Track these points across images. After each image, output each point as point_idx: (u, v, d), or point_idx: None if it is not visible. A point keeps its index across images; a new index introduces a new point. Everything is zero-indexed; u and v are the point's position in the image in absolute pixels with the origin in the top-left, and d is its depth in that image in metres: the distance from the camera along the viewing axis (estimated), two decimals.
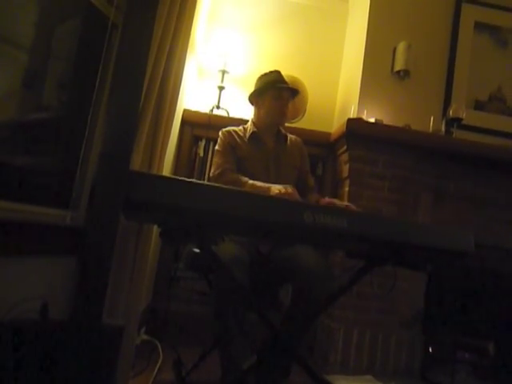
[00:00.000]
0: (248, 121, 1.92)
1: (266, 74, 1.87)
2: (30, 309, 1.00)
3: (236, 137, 1.80)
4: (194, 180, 0.90)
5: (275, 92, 1.79)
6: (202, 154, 2.44)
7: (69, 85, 1.43)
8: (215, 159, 1.76)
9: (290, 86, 1.85)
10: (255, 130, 1.82)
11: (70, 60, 1.43)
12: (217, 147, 1.79)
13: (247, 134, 1.81)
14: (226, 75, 2.56)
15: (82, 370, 0.99)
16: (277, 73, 1.86)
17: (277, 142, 1.85)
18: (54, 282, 1.23)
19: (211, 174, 1.74)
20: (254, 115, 1.89)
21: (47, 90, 1.37)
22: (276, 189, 1.48)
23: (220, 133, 1.82)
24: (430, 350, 2.12)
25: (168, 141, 1.59)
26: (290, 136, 1.90)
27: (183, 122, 2.43)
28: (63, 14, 1.38)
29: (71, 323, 1.11)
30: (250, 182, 1.60)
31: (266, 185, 1.55)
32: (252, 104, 1.91)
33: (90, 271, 1.26)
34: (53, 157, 1.39)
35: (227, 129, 1.83)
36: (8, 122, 1.21)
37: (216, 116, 2.48)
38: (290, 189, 1.46)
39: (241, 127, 1.86)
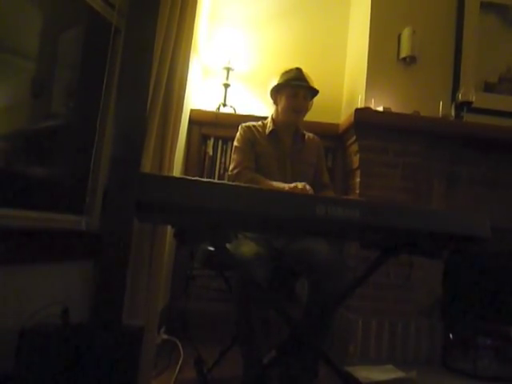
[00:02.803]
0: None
1: (286, 72, 1.84)
2: (51, 313, 1.02)
3: (255, 132, 1.81)
4: (204, 179, 0.91)
5: (291, 90, 1.79)
6: (211, 153, 2.45)
7: (76, 91, 1.45)
8: (234, 156, 1.76)
9: (309, 84, 1.82)
10: (274, 127, 1.83)
11: (75, 67, 1.45)
12: (235, 143, 1.79)
13: (266, 131, 1.82)
14: (230, 72, 2.55)
15: (104, 372, 1.01)
16: (297, 70, 1.83)
17: (294, 140, 1.86)
18: (72, 286, 1.25)
19: (229, 172, 1.74)
20: (274, 112, 1.89)
21: (55, 98, 1.38)
22: (289, 188, 1.50)
23: (240, 127, 1.82)
24: (451, 336, 2.10)
25: (177, 141, 1.60)
26: (307, 134, 1.90)
27: (191, 122, 2.43)
28: (67, 21, 1.39)
29: (92, 326, 1.13)
30: (268, 182, 1.62)
31: (282, 185, 1.57)
32: (272, 100, 1.90)
33: (107, 274, 1.28)
34: (64, 164, 1.41)
35: (247, 124, 1.83)
36: (20, 132, 1.23)
37: (223, 114, 2.48)
38: (300, 185, 1.47)
39: (260, 122, 1.86)
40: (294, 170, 1.78)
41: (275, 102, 1.87)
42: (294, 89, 1.78)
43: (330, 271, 1.43)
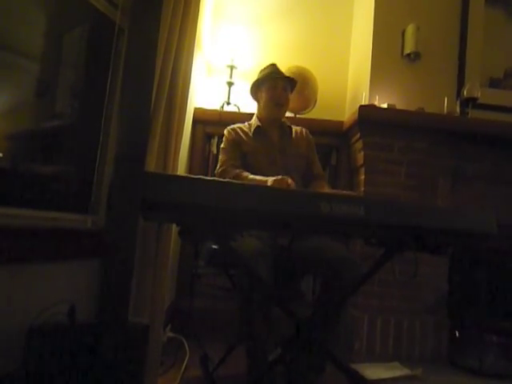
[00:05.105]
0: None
1: (263, 69, 1.91)
2: (58, 312, 1.03)
3: (241, 133, 1.83)
4: (208, 178, 0.91)
5: (270, 83, 1.84)
6: (215, 152, 2.45)
7: (80, 91, 1.45)
8: (220, 157, 1.80)
9: (285, 75, 1.87)
10: (259, 124, 1.85)
11: (80, 66, 1.45)
12: (222, 145, 1.83)
13: (252, 129, 1.84)
14: (234, 70, 2.55)
15: (111, 369, 1.02)
16: (272, 65, 1.90)
17: (281, 134, 1.87)
18: (78, 284, 1.25)
19: (215, 172, 1.78)
20: (257, 109, 1.93)
21: (60, 98, 1.39)
22: (271, 180, 1.50)
23: (225, 131, 1.85)
24: (457, 334, 2.09)
25: (181, 140, 1.61)
26: (295, 128, 1.92)
27: (195, 121, 2.43)
28: (70, 22, 1.40)
29: (99, 324, 1.13)
30: (250, 176, 1.63)
31: (264, 178, 1.57)
32: (254, 99, 1.94)
33: (113, 272, 1.29)
34: (70, 163, 1.41)
35: (232, 126, 1.87)
36: (25, 132, 1.24)
37: (227, 112, 2.48)
38: (279, 176, 1.47)
39: (246, 123, 1.89)
40: (285, 164, 1.77)
41: (256, 100, 1.91)
42: (273, 81, 1.83)
43: (345, 268, 1.43)
